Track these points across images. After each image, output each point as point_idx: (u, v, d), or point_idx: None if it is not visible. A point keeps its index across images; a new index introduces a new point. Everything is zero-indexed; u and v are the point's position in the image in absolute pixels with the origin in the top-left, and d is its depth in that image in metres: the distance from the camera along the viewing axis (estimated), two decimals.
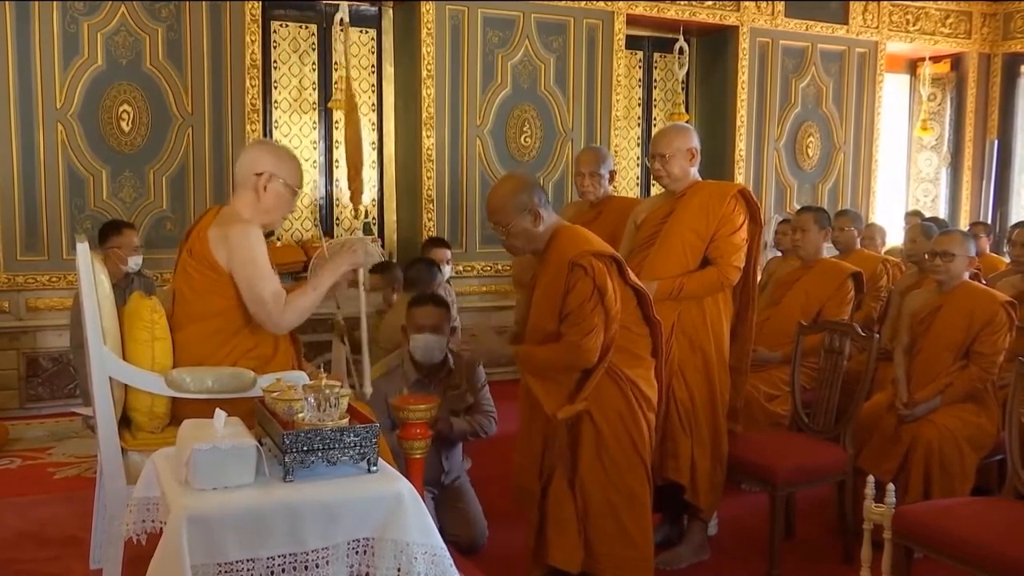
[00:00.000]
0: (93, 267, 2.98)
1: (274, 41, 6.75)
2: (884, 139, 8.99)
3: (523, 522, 3.24)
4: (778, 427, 4.29)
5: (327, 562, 2.31)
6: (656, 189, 6.85)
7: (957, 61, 9.38)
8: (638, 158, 8.19)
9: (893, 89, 9.24)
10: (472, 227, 7.03)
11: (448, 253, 5.78)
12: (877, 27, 8.64)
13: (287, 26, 6.80)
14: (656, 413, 3.16)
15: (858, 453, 3.83)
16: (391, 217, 7.21)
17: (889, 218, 8.69)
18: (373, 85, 7.09)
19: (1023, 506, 3.06)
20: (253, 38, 6.25)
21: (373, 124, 7.08)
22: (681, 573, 3.61)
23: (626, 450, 3.00)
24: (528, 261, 3.19)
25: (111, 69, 5.92)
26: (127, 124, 5.98)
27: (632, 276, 3.05)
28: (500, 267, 7.04)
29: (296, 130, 6.88)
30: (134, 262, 4.79)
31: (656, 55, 8.21)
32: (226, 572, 2.23)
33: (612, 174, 4.51)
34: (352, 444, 2.41)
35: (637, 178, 8.23)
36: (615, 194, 4.92)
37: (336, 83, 6.72)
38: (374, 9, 7.02)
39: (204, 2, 6.11)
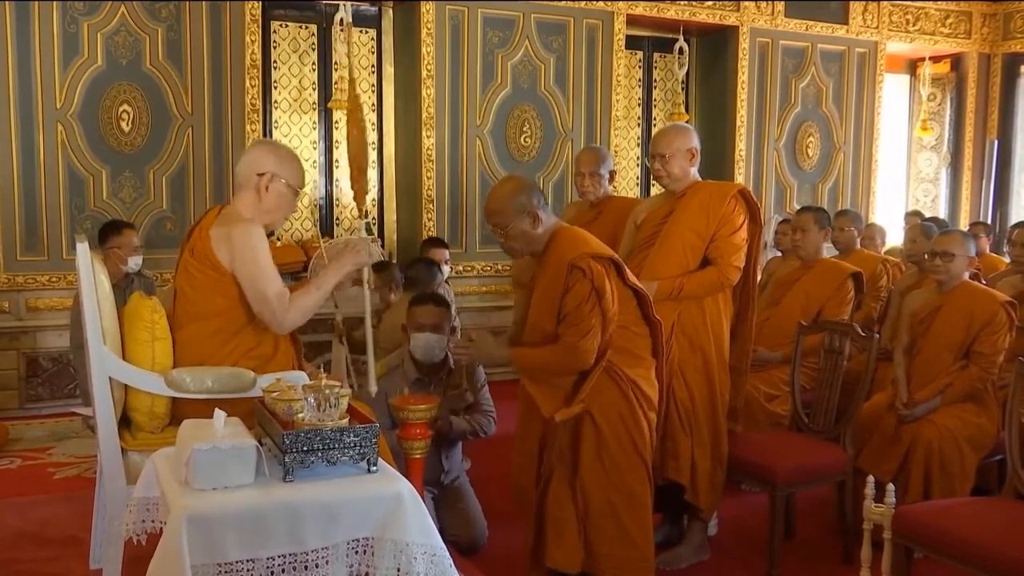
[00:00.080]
0: (93, 267, 2.98)
1: (274, 41, 6.75)
2: (884, 139, 8.99)
3: (523, 522, 3.24)
4: (778, 427, 4.29)
5: (327, 562, 2.31)
6: (656, 189, 6.85)
7: (957, 61, 9.38)
8: (638, 158, 8.19)
9: (893, 89, 9.24)
10: (472, 227, 7.03)
11: (446, 253, 5.78)
12: (877, 27, 8.64)
13: (287, 26, 6.81)
14: (657, 413, 3.16)
15: (858, 453, 3.83)
16: (391, 217, 7.21)
17: (889, 218, 8.69)
18: (373, 85, 7.09)
19: (1023, 506, 3.06)
20: (253, 38, 6.25)
21: (373, 124, 7.08)
22: (681, 573, 3.61)
23: (626, 450, 3.00)
24: (527, 262, 3.19)
25: (111, 69, 5.92)
26: (127, 124, 5.98)
27: (631, 277, 3.05)
28: (500, 267, 7.04)
29: (296, 130, 6.88)
30: (134, 262, 4.79)
31: (656, 55, 8.21)
32: (226, 572, 2.23)
33: (612, 174, 4.51)
34: (352, 444, 2.41)
35: (637, 178, 8.23)
36: (615, 194, 4.92)
37: (336, 83, 6.72)
38: (374, 9, 7.02)
39: (204, 2, 6.11)
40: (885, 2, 8.64)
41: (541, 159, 7.25)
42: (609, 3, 7.37)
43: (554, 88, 7.25)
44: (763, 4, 8.08)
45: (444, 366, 3.85)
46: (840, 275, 4.72)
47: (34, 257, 5.83)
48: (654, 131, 7.92)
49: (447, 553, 2.42)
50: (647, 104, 8.22)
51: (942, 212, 9.29)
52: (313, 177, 6.89)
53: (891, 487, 3.17)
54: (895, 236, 7.41)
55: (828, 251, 4.96)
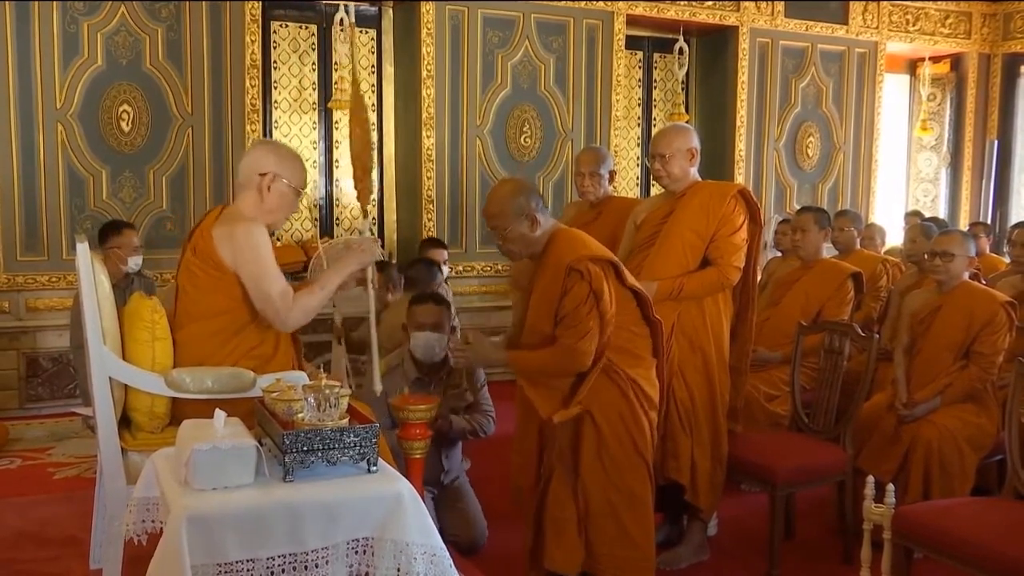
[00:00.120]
0: (93, 267, 2.98)
1: (274, 41, 6.75)
2: (884, 139, 8.99)
3: (522, 522, 3.24)
4: (778, 427, 4.29)
5: (327, 562, 2.31)
6: (656, 189, 6.85)
7: (957, 61, 9.38)
8: (638, 158, 8.19)
9: (893, 89, 9.24)
10: (472, 227, 7.03)
11: (444, 254, 5.78)
12: (877, 27, 8.64)
13: (287, 26, 6.81)
14: (658, 412, 3.16)
15: (858, 453, 3.83)
16: (391, 217, 7.21)
17: (889, 218, 8.69)
18: (373, 85, 7.09)
19: (1023, 506, 3.06)
20: (253, 38, 6.25)
21: (373, 124, 7.08)
22: (681, 573, 3.61)
23: (627, 450, 3.00)
24: (526, 264, 3.19)
25: (111, 69, 5.92)
26: (127, 124, 5.98)
27: (630, 278, 3.05)
28: (500, 267, 7.04)
29: (296, 130, 6.88)
30: (134, 262, 4.79)
31: (656, 55, 8.21)
32: (226, 572, 2.23)
33: (612, 174, 4.50)
34: (352, 444, 2.41)
35: (637, 178, 8.23)
36: (615, 194, 4.92)
37: (336, 83, 6.72)
38: (374, 9, 7.02)
39: (204, 2, 6.11)
40: (885, 2, 8.64)
41: (541, 159, 7.25)
42: (609, 3, 7.37)
43: (554, 88, 7.25)
44: (763, 4, 8.08)
45: (444, 365, 3.85)
46: (840, 275, 4.72)
47: (34, 257, 5.83)
48: (654, 131, 7.92)
49: (447, 553, 2.42)
50: (647, 104, 8.22)
51: (942, 212, 9.29)
52: (313, 177, 6.89)
53: (891, 487, 3.17)
54: (895, 236, 7.42)
55: (828, 251, 4.96)
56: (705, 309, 3.60)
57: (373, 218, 7.15)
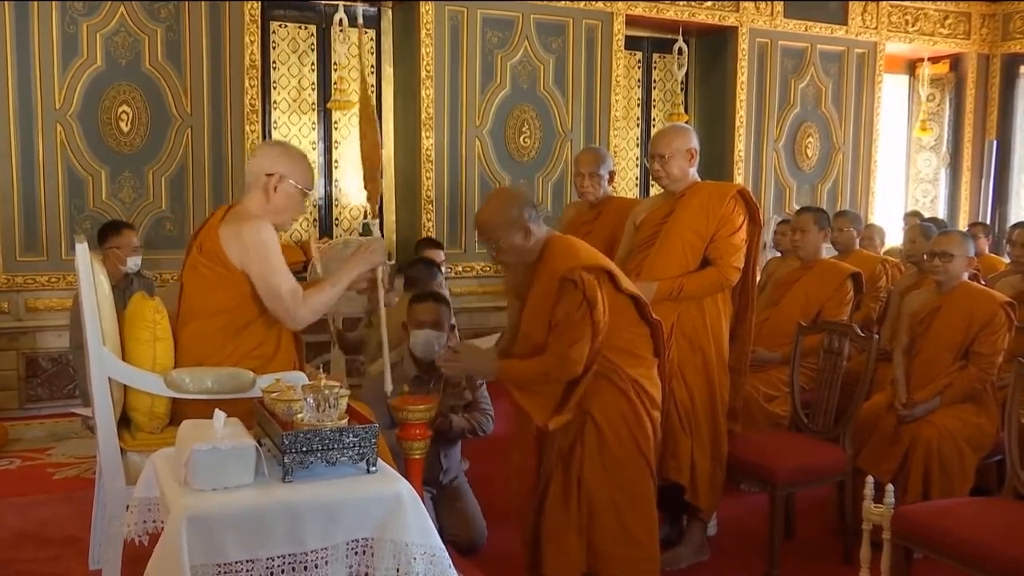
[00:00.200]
0: (92, 268, 2.98)
1: (273, 42, 6.75)
2: (883, 139, 8.99)
3: (519, 528, 3.23)
4: (777, 427, 4.29)
5: (326, 562, 2.31)
6: (655, 189, 6.85)
7: (956, 62, 9.39)
8: (637, 158, 8.19)
9: (892, 90, 9.24)
10: (471, 228, 7.02)
11: (441, 254, 5.77)
12: (876, 28, 8.64)
13: (286, 26, 6.80)
14: (660, 411, 3.16)
15: (857, 453, 3.83)
16: (390, 218, 7.21)
17: (888, 218, 8.69)
18: (372, 85, 7.09)
19: (1022, 506, 3.07)
20: (252, 39, 6.25)
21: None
22: (681, 573, 3.61)
23: (628, 450, 3.00)
24: (521, 272, 3.17)
25: (110, 70, 5.91)
26: (126, 124, 5.98)
27: (625, 283, 3.03)
28: (499, 268, 7.01)
29: (295, 131, 6.88)
30: (133, 262, 4.79)
31: (655, 55, 8.21)
32: (225, 572, 2.23)
33: (611, 175, 4.50)
34: (351, 444, 2.41)
35: (636, 179, 8.23)
36: (614, 195, 4.92)
37: (335, 83, 6.72)
38: (373, 9, 7.02)
39: (203, 2, 6.11)
40: (884, 2, 8.64)
41: (540, 159, 7.25)
42: (608, 3, 7.37)
43: (553, 89, 7.25)
44: (762, 4, 8.08)
45: None
46: (839, 275, 4.72)
47: (33, 257, 5.83)
48: (653, 131, 7.92)
49: (446, 553, 2.42)
50: (646, 104, 8.22)
51: (941, 212, 9.29)
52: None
53: (890, 487, 3.17)
54: (894, 236, 7.42)
55: (827, 251, 4.97)
56: (705, 309, 3.60)
57: (371, 218, 7.14)
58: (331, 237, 6.94)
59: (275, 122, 6.80)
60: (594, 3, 7.33)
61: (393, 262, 6.53)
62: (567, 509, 3.00)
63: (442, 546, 2.41)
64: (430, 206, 6.87)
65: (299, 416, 2.42)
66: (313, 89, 6.91)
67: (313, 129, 6.94)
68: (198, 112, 6.15)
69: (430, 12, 6.76)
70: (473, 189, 6.98)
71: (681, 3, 7.72)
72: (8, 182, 5.71)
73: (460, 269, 6.94)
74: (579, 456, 3.00)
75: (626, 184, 8.11)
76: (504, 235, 2.98)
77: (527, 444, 3.14)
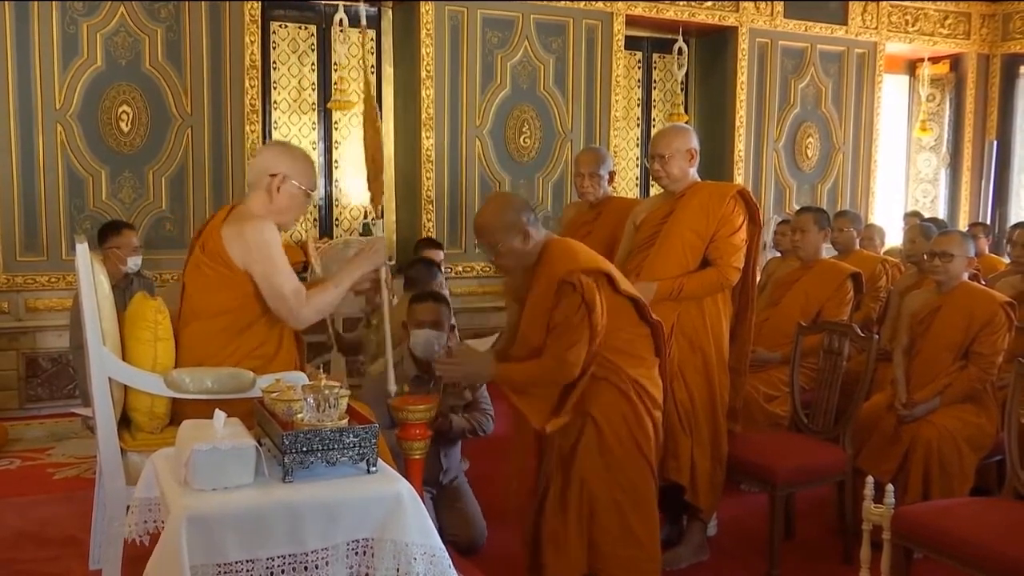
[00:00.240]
0: (92, 268, 2.98)
1: (273, 42, 6.75)
2: (883, 140, 8.99)
3: (519, 529, 3.23)
4: (777, 428, 4.29)
5: (327, 563, 2.31)
6: (655, 190, 6.85)
7: (956, 62, 9.39)
8: (637, 159, 8.19)
9: (892, 90, 9.24)
10: (471, 228, 7.02)
11: (440, 254, 5.77)
12: (876, 28, 8.64)
13: (286, 27, 6.81)
14: (662, 411, 3.16)
15: (857, 453, 3.83)
16: (390, 218, 7.21)
17: (888, 219, 8.69)
18: (372, 86, 7.09)
19: (1022, 506, 3.07)
20: (252, 39, 6.25)
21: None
22: (681, 573, 3.61)
23: (629, 450, 2.99)
24: (520, 275, 3.17)
25: (110, 70, 5.92)
26: (126, 125, 5.98)
27: (624, 285, 3.03)
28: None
29: (295, 131, 6.88)
30: (133, 262, 4.79)
31: (655, 56, 8.21)
32: (225, 572, 2.23)
33: (611, 175, 4.50)
34: (351, 444, 2.41)
35: (636, 179, 8.23)
36: (614, 195, 4.92)
37: (335, 83, 6.72)
38: (374, 9, 7.02)
39: (203, 2, 6.11)
40: (884, 3, 8.64)
41: (540, 160, 7.25)
42: (608, 3, 7.37)
43: (553, 89, 7.25)
44: (762, 4, 8.08)
45: None
46: (839, 276, 4.72)
47: (33, 257, 5.83)
48: (653, 132, 7.92)
49: (446, 554, 2.42)
50: (646, 105, 8.22)
51: (941, 213, 9.29)
52: None
53: (890, 487, 3.17)
54: (894, 237, 7.42)
55: (827, 252, 4.96)
56: (705, 309, 3.60)
57: (372, 218, 7.14)
58: (331, 237, 6.94)
59: (275, 122, 6.80)
60: (594, 3, 7.33)
61: (393, 262, 6.53)
62: (568, 510, 3.00)
63: (442, 546, 2.41)
64: (430, 206, 6.87)
65: (299, 416, 2.42)
66: (313, 89, 6.91)
67: (313, 129, 6.94)
68: (198, 112, 6.15)
69: (430, 12, 6.76)
70: (473, 189, 6.99)
71: (681, 3, 7.72)
72: (8, 182, 5.71)
73: (460, 269, 6.95)
74: (580, 457, 3.00)
75: (626, 184, 8.11)
76: (503, 239, 2.98)
77: (526, 445, 3.14)
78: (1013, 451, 3.16)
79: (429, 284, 4.61)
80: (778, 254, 5.89)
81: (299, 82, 6.86)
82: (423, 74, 6.77)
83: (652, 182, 6.79)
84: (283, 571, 2.28)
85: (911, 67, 9.48)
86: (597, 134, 7.43)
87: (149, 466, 2.56)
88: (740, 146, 8.08)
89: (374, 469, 2.44)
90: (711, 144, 7.92)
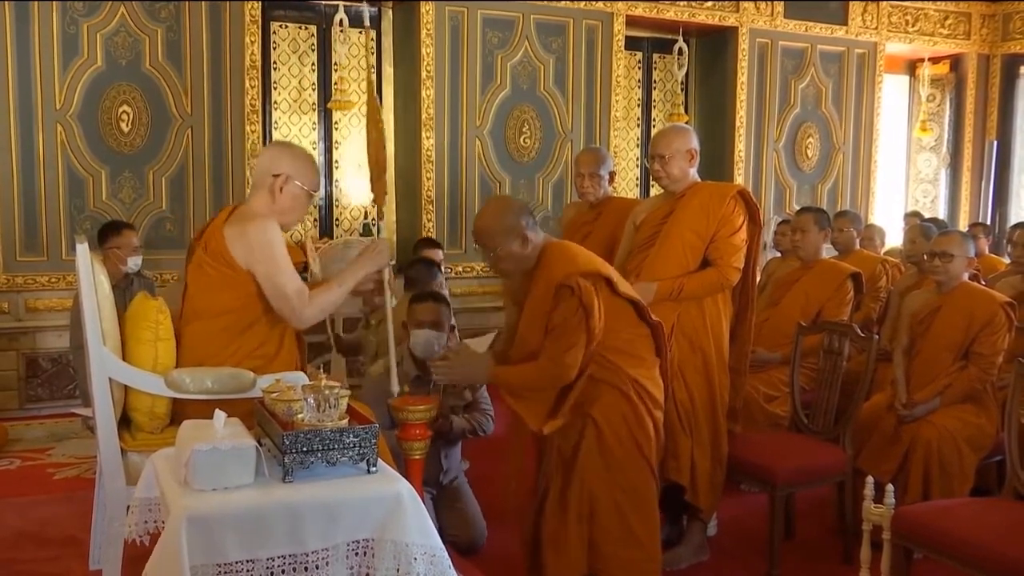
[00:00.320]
0: (93, 268, 2.98)
1: (273, 42, 6.75)
2: (883, 140, 8.99)
3: (519, 531, 3.22)
4: (777, 428, 4.29)
5: (327, 563, 2.31)
6: (655, 190, 6.85)
7: (956, 62, 9.39)
8: (637, 159, 8.19)
9: (892, 90, 9.24)
10: (471, 228, 7.01)
11: (440, 254, 5.78)
12: (876, 28, 8.64)
13: (287, 27, 6.81)
14: (663, 411, 3.15)
15: (857, 454, 3.83)
16: (390, 218, 7.20)
17: (888, 219, 8.69)
18: (374, 86, 7.09)
19: (1022, 506, 3.07)
20: (253, 39, 6.25)
21: None
22: (681, 573, 3.61)
23: (630, 451, 2.99)
24: (519, 278, 3.17)
25: (110, 70, 5.92)
26: (127, 125, 5.98)
27: (623, 287, 3.03)
28: None
29: (296, 131, 6.88)
30: (133, 263, 4.79)
31: (655, 56, 8.21)
32: (225, 573, 2.23)
33: (612, 175, 4.51)
34: (351, 445, 2.41)
35: (636, 179, 8.23)
36: (615, 195, 4.92)
37: (336, 84, 6.72)
38: (374, 9, 7.02)
39: (204, 3, 6.11)
40: (884, 3, 8.64)
41: (540, 160, 7.25)
42: (608, 4, 7.37)
43: (553, 89, 7.25)
44: (762, 5, 8.08)
45: None
46: (839, 276, 4.72)
47: (34, 258, 5.83)
48: (653, 132, 7.92)
49: (446, 554, 2.42)
50: (647, 105, 8.22)
51: (941, 213, 9.29)
52: None
53: (890, 488, 3.17)
54: (894, 237, 7.42)
55: (827, 252, 4.97)
56: (705, 310, 3.60)
57: (373, 219, 7.15)
58: (331, 237, 6.94)
59: (275, 122, 6.80)
60: (594, 3, 7.33)
61: (393, 262, 6.53)
62: (568, 510, 3.00)
63: (442, 546, 2.41)
64: (430, 206, 6.87)
65: (299, 416, 2.42)
66: (313, 89, 6.91)
67: (313, 129, 6.94)
68: (198, 112, 6.15)
69: (430, 12, 6.76)
70: (473, 189, 6.99)
71: (681, 3, 7.72)
72: (8, 182, 5.71)
73: (460, 269, 6.95)
74: (581, 458, 2.99)
75: (626, 184, 8.11)
76: (501, 243, 2.97)
77: (524, 446, 3.14)
78: (1013, 451, 3.16)
79: (429, 284, 4.61)
80: (778, 254, 5.90)
81: (299, 82, 6.86)
82: (423, 74, 6.77)
83: (652, 182, 6.79)
84: (283, 571, 2.28)
85: (911, 67, 9.48)
86: (597, 134, 7.43)
87: (149, 466, 2.56)
88: (740, 146, 8.08)
89: (374, 469, 2.44)
90: (711, 144, 7.92)
